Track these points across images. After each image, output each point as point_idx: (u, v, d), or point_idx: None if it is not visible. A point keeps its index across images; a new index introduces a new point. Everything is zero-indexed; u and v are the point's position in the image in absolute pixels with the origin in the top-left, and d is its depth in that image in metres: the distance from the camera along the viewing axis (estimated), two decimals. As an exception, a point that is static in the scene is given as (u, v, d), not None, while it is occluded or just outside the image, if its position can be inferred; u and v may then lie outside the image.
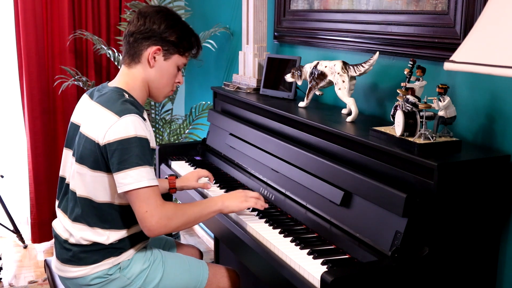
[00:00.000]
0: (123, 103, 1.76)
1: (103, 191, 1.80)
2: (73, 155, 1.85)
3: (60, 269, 1.89)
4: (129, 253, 1.87)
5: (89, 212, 1.81)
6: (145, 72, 1.87)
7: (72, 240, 1.84)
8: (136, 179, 1.69)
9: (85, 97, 1.94)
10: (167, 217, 1.73)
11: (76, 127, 1.87)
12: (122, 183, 1.71)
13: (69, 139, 1.91)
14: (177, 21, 1.90)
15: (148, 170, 1.72)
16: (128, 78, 1.88)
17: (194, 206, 1.85)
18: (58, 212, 1.93)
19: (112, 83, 1.90)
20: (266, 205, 2.01)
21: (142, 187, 1.70)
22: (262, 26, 2.82)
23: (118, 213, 1.82)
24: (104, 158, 1.75)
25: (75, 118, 1.92)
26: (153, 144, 1.82)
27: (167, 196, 2.67)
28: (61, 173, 1.94)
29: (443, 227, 1.58)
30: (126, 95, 1.83)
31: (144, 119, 1.80)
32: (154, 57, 1.86)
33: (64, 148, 1.94)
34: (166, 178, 2.28)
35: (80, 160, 1.79)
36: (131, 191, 1.70)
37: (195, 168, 2.61)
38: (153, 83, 1.90)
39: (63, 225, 1.87)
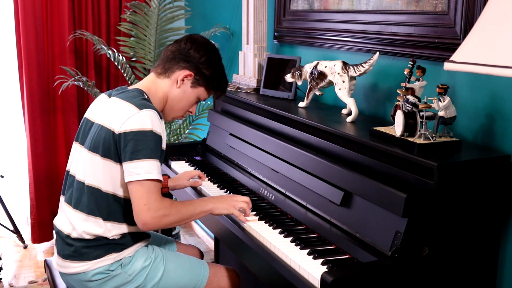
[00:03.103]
0: (143, 100, 1.85)
1: (110, 181, 1.82)
2: (85, 146, 1.88)
3: (62, 265, 1.90)
4: (131, 250, 1.89)
5: (94, 201, 1.83)
6: (169, 88, 1.97)
7: (74, 235, 1.85)
8: (147, 170, 1.74)
9: (103, 96, 2.00)
10: (162, 213, 1.77)
11: (90, 122, 1.93)
12: (132, 172, 1.75)
13: (80, 133, 1.95)
14: (218, 61, 2.03)
15: (158, 164, 1.78)
16: (152, 85, 1.97)
17: (188, 205, 1.89)
18: (63, 205, 1.94)
19: (134, 86, 1.99)
20: (248, 220, 1.98)
21: (151, 178, 1.75)
22: (262, 26, 2.82)
23: (122, 207, 1.85)
24: (116, 147, 1.79)
25: (90, 114, 1.96)
26: (164, 145, 1.87)
27: (167, 194, 2.67)
28: (68, 167, 1.97)
29: (443, 227, 1.58)
30: (146, 96, 1.91)
31: (161, 117, 1.87)
32: (183, 80, 1.95)
33: (74, 142, 1.98)
34: None
35: (93, 148, 1.84)
36: (138, 181, 1.74)
37: (195, 168, 2.62)
38: (171, 102, 1.99)
39: (68, 218, 1.88)
